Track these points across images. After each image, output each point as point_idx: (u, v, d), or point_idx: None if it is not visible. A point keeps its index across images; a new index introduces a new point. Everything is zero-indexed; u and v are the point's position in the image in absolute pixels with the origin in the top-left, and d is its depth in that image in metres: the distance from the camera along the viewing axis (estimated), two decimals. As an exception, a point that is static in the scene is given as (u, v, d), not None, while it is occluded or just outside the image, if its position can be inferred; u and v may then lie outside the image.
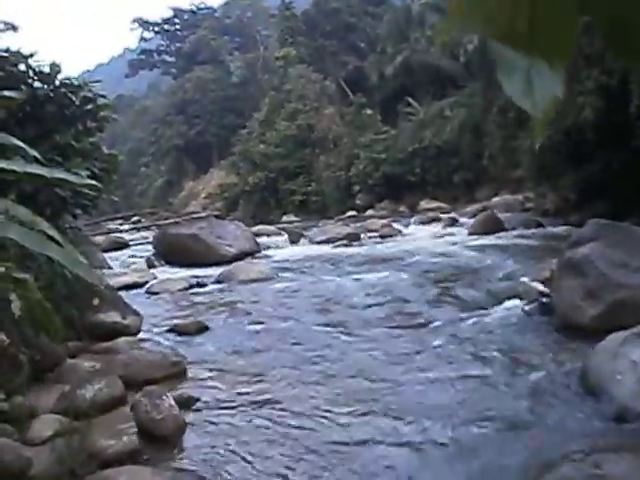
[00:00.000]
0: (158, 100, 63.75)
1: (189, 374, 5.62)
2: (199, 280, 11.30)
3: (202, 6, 68.31)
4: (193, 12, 67.43)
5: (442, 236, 15.76)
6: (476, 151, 22.21)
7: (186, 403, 4.65)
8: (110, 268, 12.59)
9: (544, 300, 6.21)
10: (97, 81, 8.96)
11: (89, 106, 7.85)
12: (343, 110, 37.91)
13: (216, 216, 23.17)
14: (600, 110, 12.01)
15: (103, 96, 8.42)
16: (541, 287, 6.54)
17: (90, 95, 7.83)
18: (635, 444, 3.21)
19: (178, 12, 66.75)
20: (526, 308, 6.42)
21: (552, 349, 5.02)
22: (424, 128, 27.86)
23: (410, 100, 31.46)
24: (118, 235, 21.82)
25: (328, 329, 7.00)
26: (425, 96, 30.61)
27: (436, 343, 5.72)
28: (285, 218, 33.11)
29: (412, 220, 20.33)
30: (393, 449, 3.60)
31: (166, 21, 66.40)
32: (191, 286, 10.92)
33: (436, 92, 29.45)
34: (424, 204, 25.65)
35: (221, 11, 70.32)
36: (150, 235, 19.42)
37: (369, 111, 34.35)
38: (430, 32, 31.41)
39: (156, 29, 65.36)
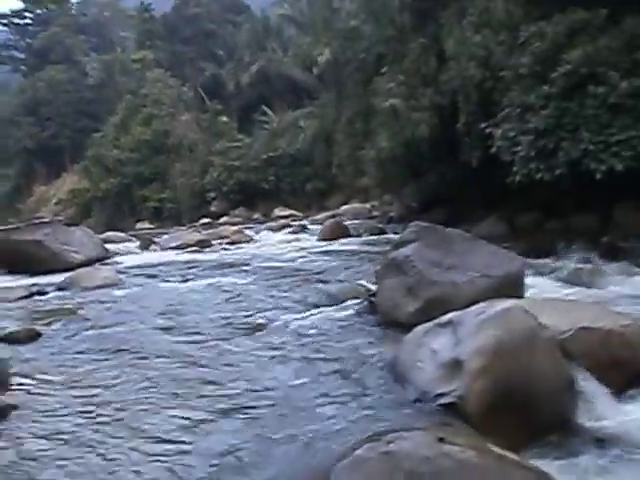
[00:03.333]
0: (3, 99, 59.46)
1: (12, 382, 5.34)
2: (40, 288, 10.72)
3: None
4: (46, 8, 63.72)
5: (292, 242, 16.18)
6: (328, 160, 22.94)
7: (2, 412, 4.45)
8: None
9: (372, 299, 6.61)
10: None
11: None
12: (199, 117, 37.64)
13: (66, 223, 22.12)
14: (434, 126, 12.97)
15: None
16: (372, 287, 6.95)
17: None
18: (429, 419, 3.53)
19: (29, 5, 62.75)
20: (357, 307, 6.79)
21: (371, 344, 5.36)
22: (279, 137, 28.41)
23: (265, 109, 31.93)
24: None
25: (169, 333, 6.92)
26: (280, 105, 31.20)
27: (270, 341, 5.90)
28: (139, 225, 32.26)
29: (264, 227, 20.63)
30: (213, 447, 3.67)
31: (16, 13, 62.07)
32: (31, 294, 10.34)
33: (291, 102, 30.11)
34: (277, 211, 26.09)
35: (77, 8, 67.07)
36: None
37: (225, 118, 34.45)
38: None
39: (4, 21, 60.76)
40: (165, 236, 19.35)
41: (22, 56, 61.75)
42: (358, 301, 7.03)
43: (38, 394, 4.98)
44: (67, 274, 11.54)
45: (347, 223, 17.25)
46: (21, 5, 62.06)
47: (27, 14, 62.18)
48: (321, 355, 5.19)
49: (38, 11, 62.46)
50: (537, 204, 12.67)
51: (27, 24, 62.12)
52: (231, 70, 38.99)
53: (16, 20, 61.66)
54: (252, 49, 37.45)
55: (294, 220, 21.63)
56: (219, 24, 48.34)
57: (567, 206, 12.09)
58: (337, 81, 18.11)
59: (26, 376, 5.55)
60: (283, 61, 32.62)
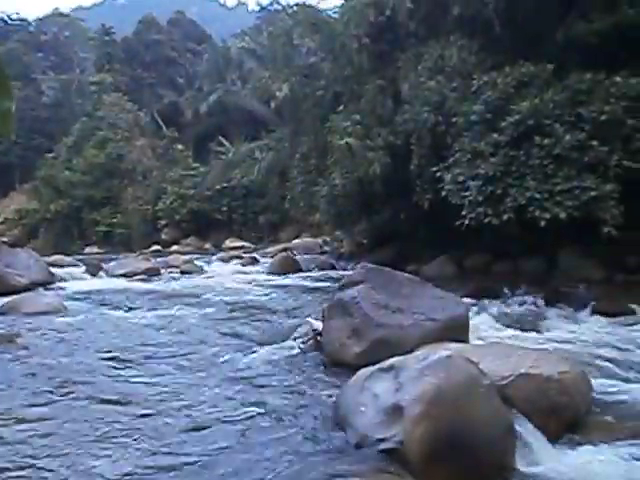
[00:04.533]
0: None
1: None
2: (-23, 313, 10.39)
3: (15, 17, 63.94)
4: (4, 21, 62.76)
5: (242, 274, 16.11)
6: (281, 194, 23.04)
7: None
8: None
9: (318, 338, 6.61)
10: None
11: None
12: (155, 143, 37.40)
13: (10, 244, 21.54)
14: (388, 166, 13.18)
15: None
16: (319, 325, 6.95)
17: None
18: (368, 465, 3.53)
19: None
20: (302, 346, 6.77)
21: (315, 385, 5.35)
22: (233, 168, 28.43)
23: (222, 139, 31.97)
24: None
25: (110, 367, 6.75)
26: (237, 136, 31.26)
27: (212, 379, 5.81)
28: (88, 250, 31.60)
29: (215, 257, 20.50)
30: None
31: (-30, 26, 61.08)
32: (-34, 319, 10.01)
33: (248, 133, 30.21)
34: (229, 242, 25.98)
35: (36, 25, 66.22)
36: None
37: (180, 146, 34.32)
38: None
39: (-44, 32, 59.55)
40: (113, 262, 18.99)
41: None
42: (304, 339, 7.01)
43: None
44: (8, 298, 11.22)
45: (298, 257, 17.33)
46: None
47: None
48: (263, 395, 5.15)
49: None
50: (486, 246, 12.95)
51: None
52: (190, 98, 38.98)
53: (-30, 32, 60.67)
54: (212, 79, 37.62)
55: (245, 252, 21.59)
56: (180, 52, 48.45)
57: (515, 249, 12.40)
58: (294, 116, 18.30)
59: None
60: (242, 93, 32.82)
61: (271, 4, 46.79)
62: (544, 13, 11.93)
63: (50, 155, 41.03)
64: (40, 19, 68.37)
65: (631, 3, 10.75)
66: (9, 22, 62.94)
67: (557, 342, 7.15)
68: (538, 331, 7.91)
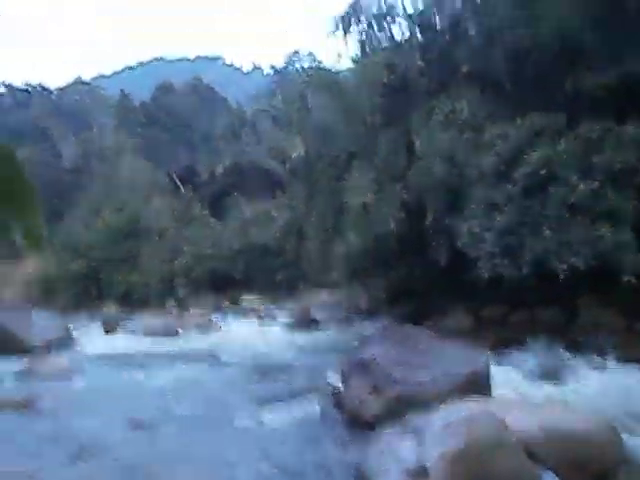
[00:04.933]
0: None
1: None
2: (-7, 373, 10.43)
3: (37, 86, 66.10)
4: (27, 91, 64.91)
5: (260, 332, 16.01)
6: (298, 252, 23.08)
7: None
8: None
9: (338, 396, 6.53)
10: None
11: None
12: (172, 203, 37.89)
13: (29, 303, 21.74)
14: (402, 221, 13.19)
15: None
16: (338, 383, 6.87)
17: None
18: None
19: (10, 88, 63.97)
20: (323, 404, 6.69)
21: (335, 444, 5.27)
22: (250, 226, 28.59)
23: (238, 198, 32.34)
24: None
25: (124, 428, 6.74)
26: (253, 196, 31.60)
27: (232, 440, 5.75)
28: (106, 309, 31.66)
29: (232, 315, 20.47)
30: None
31: (-6, 94, 63.31)
32: (-18, 380, 10.06)
33: (264, 193, 30.54)
34: (246, 300, 25.92)
35: (58, 94, 68.36)
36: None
37: (197, 206, 34.70)
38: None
39: (-21, 101, 61.58)
40: (131, 321, 19.05)
41: (-4, 134, 62.31)
42: (324, 397, 6.93)
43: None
44: (25, 358, 11.24)
45: (316, 314, 17.24)
46: (1, 89, 63.31)
47: (6, 98, 63.29)
48: (284, 456, 5.07)
49: (18, 94, 63.57)
50: (503, 297, 12.80)
51: (6, 104, 63.04)
52: (206, 159, 39.70)
53: (-6, 100, 62.84)
54: (227, 140, 38.39)
55: (262, 310, 21.55)
56: (196, 115, 49.61)
57: (532, 299, 12.25)
58: (309, 176, 18.49)
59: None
60: (257, 153, 33.40)
61: (285, 67, 48.06)
62: (552, 65, 12.10)
63: (69, 216, 41.69)
64: (62, 88, 70.59)
65: (635, 55, 10.91)
66: (32, 92, 65.00)
67: (582, 393, 7.01)
68: (561, 382, 7.78)
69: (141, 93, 50.91)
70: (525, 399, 5.58)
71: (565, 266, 9.87)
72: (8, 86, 63.64)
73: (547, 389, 7.29)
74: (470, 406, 4.13)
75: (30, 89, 65.09)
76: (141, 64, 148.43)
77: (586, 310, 11.54)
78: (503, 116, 12.46)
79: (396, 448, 3.97)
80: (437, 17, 15.44)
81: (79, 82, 72.19)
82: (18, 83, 64.20)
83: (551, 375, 8.16)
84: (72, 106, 64.87)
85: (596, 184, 10.12)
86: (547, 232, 10.33)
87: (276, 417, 6.55)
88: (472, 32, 13.92)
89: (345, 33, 16.36)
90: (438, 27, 15.35)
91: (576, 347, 9.60)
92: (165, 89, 49.88)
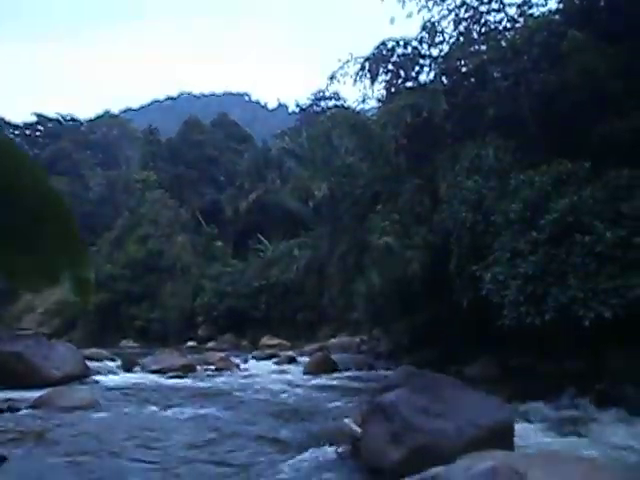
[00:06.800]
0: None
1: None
2: (12, 404, 10.41)
3: (68, 117, 67.72)
4: (58, 122, 66.50)
5: (278, 373, 15.88)
6: (319, 292, 23.03)
7: None
8: None
9: (356, 443, 6.35)
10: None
11: None
12: (195, 239, 38.17)
13: (48, 335, 21.80)
14: (426, 265, 13.09)
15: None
16: (356, 429, 6.70)
17: None
18: None
19: (42, 119, 65.58)
20: (339, 450, 6.51)
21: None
22: (272, 265, 28.62)
23: (260, 237, 32.47)
24: None
25: (140, 466, 6.62)
26: (276, 234, 31.72)
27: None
28: (124, 343, 31.73)
29: (251, 355, 20.35)
30: None
31: (28, 126, 64.80)
32: (1, 411, 10.03)
33: (286, 231, 30.63)
34: (266, 340, 25.78)
35: (87, 125, 69.92)
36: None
37: (219, 243, 34.86)
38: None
39: (16, 132, 63.14)
40: (149, 357, 18.96)
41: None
42: (340, 443, 6.76)
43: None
44: (44, 391, 11.21)
45: (335, 356, 17.06)
46: (34, 119, 64.93)
47: (39, 127, 64.86)
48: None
49: (49, 125, 65.15)
50: (529, 346, 12.58)
51: (37, 136, 64.63)
52: (230, 196, 40.04)
53: (27, 131, 64.34)
54: (252, 177, 38.72)
55: (282, 350, 21.39)
56: (221, 151, 50.21)
57: (559, 348, 11.99)
58: (332, 215, 18.58)
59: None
60: (281, 192, 33.59)
61: (310, 106, 48.64)
62: (579, 112, 12.07)
63: (92, 248, 42.12)
64: (91, 120, 72.24)
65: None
66: (63, 123, 66.60)
67: (610, 448, 6.75)
68: (589, 437, 7.51)
69: (169, 126, 51.73)
70: (548, 454, 5.36)
71: (592, 315, 9.66)
72: (40, 115, 65.24)
73: (574, 443, 7.04)
74: (492, 460, 3.96)
75: (61, 120, 66.76)
76: (169, 98, 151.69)
77: (614, 360, 11.24)
78: (529, 162, 12.41)
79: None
80: (462, 60, 15.57)
81: (107, 115, 73.91)
82: (51, 114, 65.91)
83: (579, 429, 7.91)
84: (100, 138, 66.30)
85: (624, 232, 9.95)
86: (573, 281, 10.16)
87: (291, 463, 6.39)
88: (497, 75, 13.97)
89: (371, 74, 16.54)
90: (463, 70, 15.46)
91: (605, 399, 9.32)
92: (192, 125, 50.71)
